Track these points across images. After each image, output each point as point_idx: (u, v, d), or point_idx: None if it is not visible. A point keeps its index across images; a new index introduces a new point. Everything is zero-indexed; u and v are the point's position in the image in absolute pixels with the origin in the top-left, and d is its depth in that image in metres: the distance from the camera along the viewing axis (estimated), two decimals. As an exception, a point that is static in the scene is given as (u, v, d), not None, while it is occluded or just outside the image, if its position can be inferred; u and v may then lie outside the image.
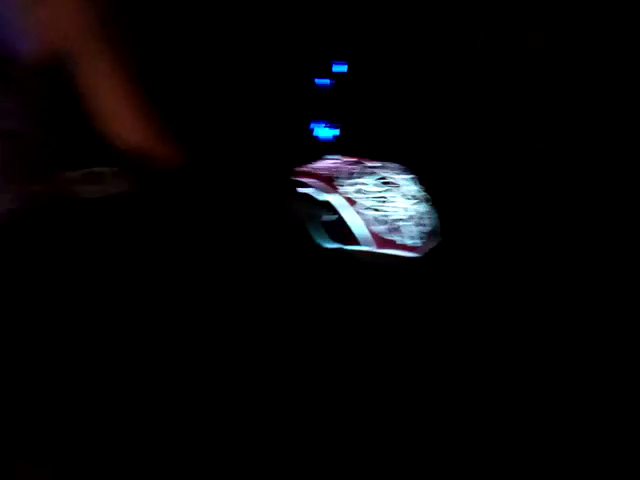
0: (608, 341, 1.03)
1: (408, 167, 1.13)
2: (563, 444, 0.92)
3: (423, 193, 1.11)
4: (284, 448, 0.89)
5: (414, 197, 1.09)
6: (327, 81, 1.28)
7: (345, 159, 1.13)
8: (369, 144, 1.23)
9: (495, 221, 1.16)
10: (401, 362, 0.98)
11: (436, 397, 0.95)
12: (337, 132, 1.26)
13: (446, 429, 0.93)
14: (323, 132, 1.26)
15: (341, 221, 1.04)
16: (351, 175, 1.07)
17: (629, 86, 1.21)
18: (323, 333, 0.99)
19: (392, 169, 1.11)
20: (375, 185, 1.07)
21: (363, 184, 1.07)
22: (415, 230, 1.07)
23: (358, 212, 1.04)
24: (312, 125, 1.26)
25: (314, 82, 1.27)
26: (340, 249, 1.04)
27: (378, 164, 1.11)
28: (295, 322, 0.99)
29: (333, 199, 1.05)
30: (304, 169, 1.09)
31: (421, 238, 1.07)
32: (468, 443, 0.92)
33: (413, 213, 1.07)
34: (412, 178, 1.11)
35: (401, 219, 1.06)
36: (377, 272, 1.04)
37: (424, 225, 1.08)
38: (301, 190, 1.06)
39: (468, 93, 1.25)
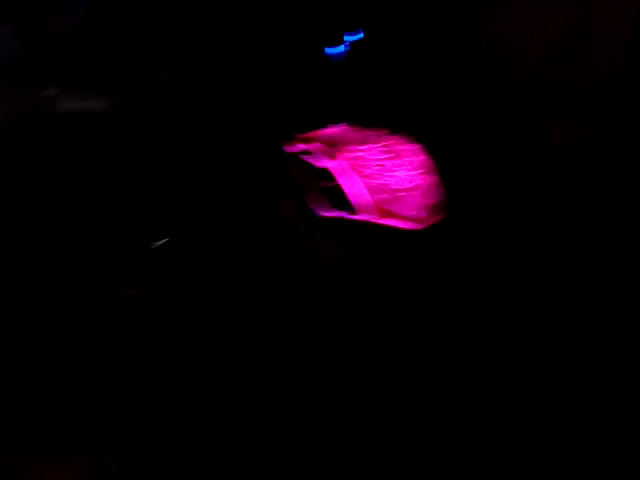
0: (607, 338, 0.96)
1: (416, 137, 1.06)
2: (563, 443, 0.88)
3: (430, 164, 1.04)
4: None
5: (419, 167, 1.03)
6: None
7: (349, 127, 1.07)
8: (376, 114, 1.15)
9: (504, 201, 1.09)
10: (401, 338, 0.93)
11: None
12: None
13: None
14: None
15: (339, 189, 0.98)
16: (353, 142, 1.01)
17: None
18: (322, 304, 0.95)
19: (397, 138, 1.05)
20: (377, 153, 1.01)
21: (365, 152, 1.01)
22: (419, 202, 1.00)
23: (357, 180, 0.98)
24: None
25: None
26: (337, 218, 0.98)
27: (383, 132, 1.05)
28: (294, 292, 0.95)
29: (332, 165, 0.99)
30: (305, 135, 1.04)
31: (425, 210, 1.00)
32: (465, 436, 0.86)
33: (417, 184, 1.01)
34: (419, 148, 1.05)
35: (403, 189, 1.00)
36: (375, 243, 0.98)
37: (429, 197, 1.01)
38: (300, 156, 1.01)
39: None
